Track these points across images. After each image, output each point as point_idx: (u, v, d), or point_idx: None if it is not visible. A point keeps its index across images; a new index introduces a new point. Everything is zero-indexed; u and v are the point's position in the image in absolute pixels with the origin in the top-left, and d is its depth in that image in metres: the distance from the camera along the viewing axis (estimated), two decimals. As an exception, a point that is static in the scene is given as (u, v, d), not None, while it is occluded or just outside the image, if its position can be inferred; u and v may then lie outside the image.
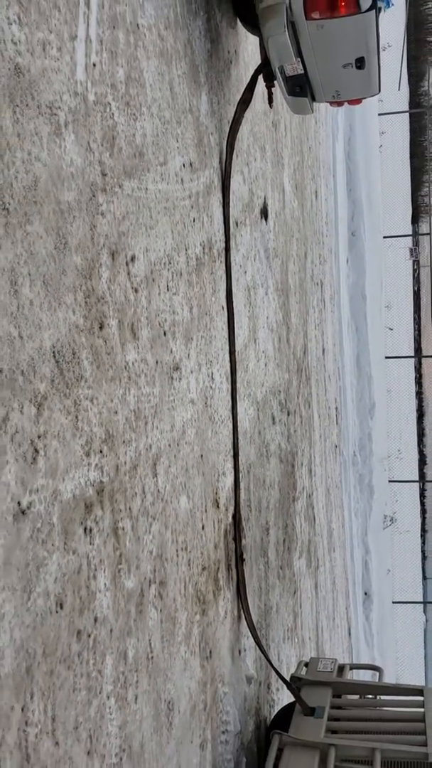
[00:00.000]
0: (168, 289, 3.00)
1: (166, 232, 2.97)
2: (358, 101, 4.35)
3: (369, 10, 3.33)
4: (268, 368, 5.18)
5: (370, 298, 10.80)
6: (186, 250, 3.24)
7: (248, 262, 4.59)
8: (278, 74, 3.79)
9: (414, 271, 17.88)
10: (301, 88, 3.90)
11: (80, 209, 2.19)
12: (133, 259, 2.61)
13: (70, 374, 2.11)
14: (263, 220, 5.09)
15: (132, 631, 2.52)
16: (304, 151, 7.30)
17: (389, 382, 12.68)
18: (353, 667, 4.84)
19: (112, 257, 2.42)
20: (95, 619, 2.24)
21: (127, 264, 2.56)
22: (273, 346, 5.42)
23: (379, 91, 4.16)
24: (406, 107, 16.55)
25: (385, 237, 12.27)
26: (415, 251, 15.33)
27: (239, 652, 4.07)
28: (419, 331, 22.32)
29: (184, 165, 3.22)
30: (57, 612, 2.01)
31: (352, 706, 4.30)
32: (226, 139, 3.86)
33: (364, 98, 4.29)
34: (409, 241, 14.04)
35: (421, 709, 3.98)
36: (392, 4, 4.22)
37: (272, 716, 4.74)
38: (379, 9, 3.67)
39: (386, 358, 12.28)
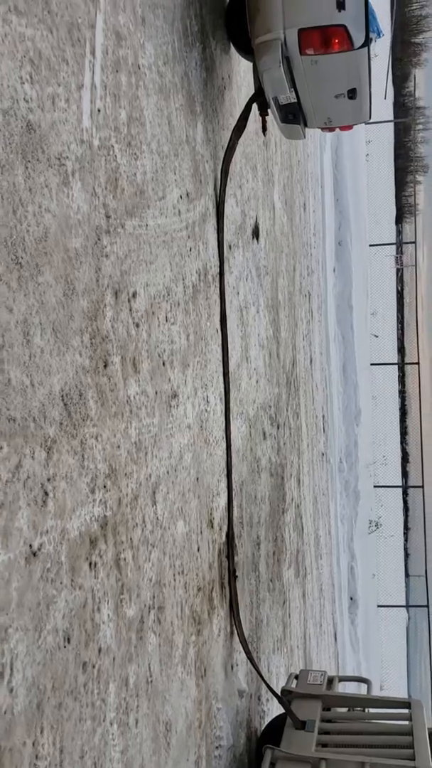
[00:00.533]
0: (167, 320, 3.07)
1: (165, 265, 3.04)
2: (349, 127, 4.45)
3: (362, 47, 3.42)
4: (259, 385, 5.26)
5: (356, 307, 10.93)
6: (183, 279, 3.32)
7: (241, 282, 4.67)
8: (272, 103, 3.88)
9: (397, 271, 18.11)
10: (294, 115, 4.00)
11: (86, 254, 2.25)
12: (134, 295, 2.68)
13: (77, 415, 2.18)
14: (255, 240, 5.18)
15: (133, 657, 2.60)
16: (293, 165, 7.39)
17: (375, 389, 12.83)
18: (342, 679, 4.94)
19: (115, 296, 2.49)
20: (99, 650, 2.31)
21: (129, 301, 2.63)
22: (264, 362, 5.51)
23: (370, 117, 4.27)
24: (391, 114, 16.70)
25: (371, 245, 12.41)
26: (399, 259, 15.50)
27: (232, 667, 4.15)
28: (402, 330, 22.60)
29: (181, 196, 3.29)
30: (65, 647, 2.08)
31: (342, 719, 4.40)
32: (220, 166, 3.94)
33: (355, 124, 4.39)
34: (394, 249, 14.19)
35: (408, 722, 4.08)
36: (383, 35, 4.32)
37: (263, 727, 4.83)
38: (371, 40, 3.77)
39: (372, 365, 12.42)
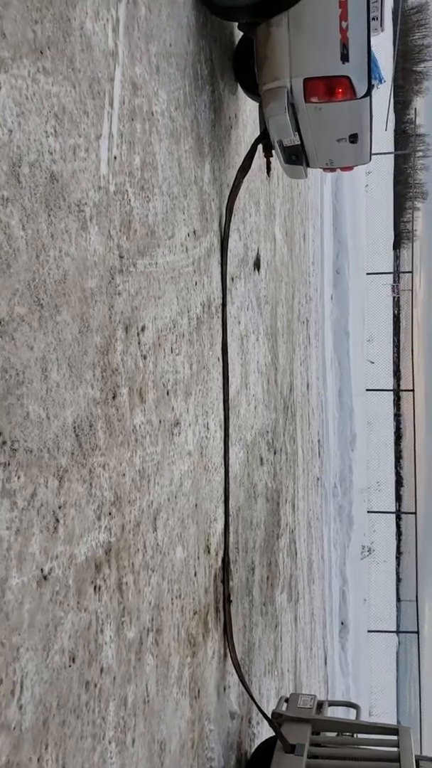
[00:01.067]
0: (172, 351, 3.21)
1: (172, 300, 3.18)
2: (349, 168, 4.63)
3: (364, 96, 3.60)
4: (257, 411, 5.39)
5: (352, 334, 11.11)
6: (188, 312, 3.46)
7: (242, 312, 4.82)
8: (276, 145, 4.05)
9: (394, 299, 18.34)
10: (297, 156, 4.17)
11: (101, 293, 2.39)
12: (143, 329, 2.81)
13: (87, 445, 2.30)
14: (256, 271, 5.33)
15: (132, 677, 2.70)
16: (294, 198, 7.58)
17: (370, 414, 12.97)
18: (332, 703, 5.02)
19: (125, 331, 2.63)
20: (101, 670, 2.41)
21: (138, 334, 2.76)
22: (262, 388, 5.64)
23: (370, 159, 4.44)
24: (392, 144, 17.01)
25: (368, 273, 12.62)
26: (396, 288, 15.73)
27: (224, 689, 4.24)
28: (398, 355, 22.83)
29: (188, 234, 3.44)
30: (70, 666, 2.18)
31: (331, 744, 4.47)
32: (226, 204, 4.10)
33: (356, 165, 4.57)
34: (391, 277, 14.43)
35: (396, 749, 4.16)
36: (384, 81, 4.51)
37: (253, 750, 4.90)
38: (373, 87, 3.95)
39: (367, 390, 12.58)
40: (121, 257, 2.57)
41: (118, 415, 2.56)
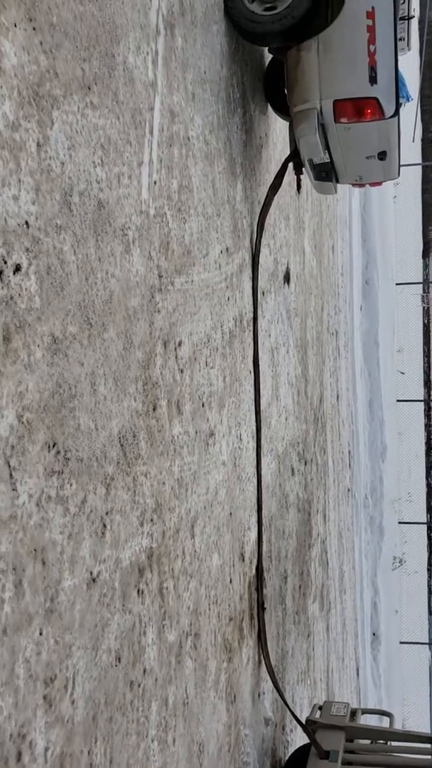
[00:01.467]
0: (206, 365, 3.33)
1: (206, 315, 3.31)
2: (378, 183, 4.73)
3: (393, 116, 3.70)
4: (288, 422, 5.49)
5: (382, 344, 11.14)
6: (221, 326, 3.58)
7: (272, 325, 4.93)
8: (306, 163, 4.17)
9: (424, 309, 18.28)
10: (326, 173, 4.29)
11: (142, 311, 2.52)
12: (180, 344, 2.94)
13: (131, 454, 2.43)
14: (286, 284, 5.44)
15: (172, 679, 2.81)
16: (323, 211, 7.69)
17: (400, 425, 12.96)
18: (365, 711, 5.07)
19: (164, 346, 2.75)
20: (144, 671, 2.53)
21: (175, 349, 2.89)
22: (292, 399, 5.73)
23: (399, 175, 4.54)
24: (419, 155, 17.04)
25: (397, 284, 12.65)
26: (426, 298, 15.72)
27: (258, 695, 4.32)
28: (429, 364, 22.70)
29: (221, 252, 3.57)
30: (116, 665, 2.30)
31: (365, 751, 4.52)
32: (257, 220, 4.22)
33: (385, 181, 4.67)
34: (420, 287, 14.43)
35: (430, 757, 4.20)
36: (411, 99, 4.60)
37: (287, 757, 4.96)
38: (401, 105, 4.06)
39: (398, 401, 12.58)
40: (160, 276, 2.70)
41: (158, 426, 2.69)
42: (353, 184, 4.64)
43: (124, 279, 2.37)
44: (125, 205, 2.40)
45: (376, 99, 3.62)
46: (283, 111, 4.50)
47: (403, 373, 13.53)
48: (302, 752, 4.59)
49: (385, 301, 11.37)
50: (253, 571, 4.16)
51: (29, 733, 1.80)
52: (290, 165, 4.30)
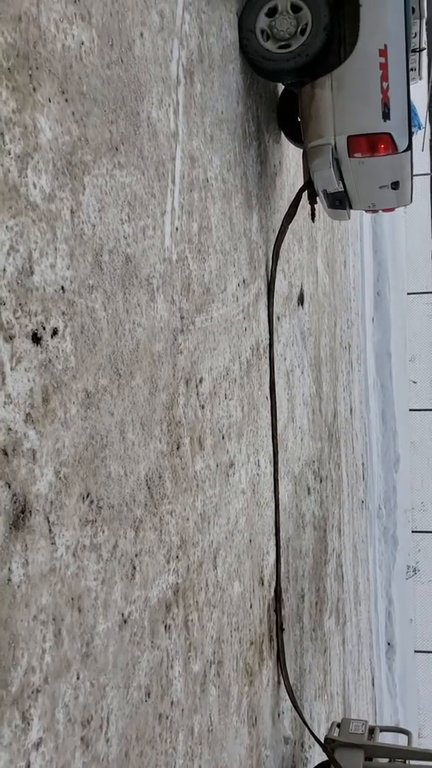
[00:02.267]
0: (225, 397, 3.41)
1: (225, 349, 3.40)
2: (391, 209, 4.81)
3: (405, 150, 3.78)
4: (303, 442, 5.56)
5: (394, 354, 11.19)
6: (239, 357, 3.66)
7: (287, 349, 5.01)
8: (320, 193, 4.25)
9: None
10: (340, 201, 4.37)
11: (166, 354, 2.61)
12: (201, 381, 3.03)
13: (158, 495, 2.52)
14: (300, 306, 5.52)
15: (197, 708, 2.89)
16: (335, 227, 7.76)
17: (413, 434, 13.00)
18: (383, 729, 5.12)
19: (186, 385, 2.84)
20: (171, 703, 2.61)
21: (196, 386, 2.97)
22: (308, 419, 5.80)
23: (411, 201, 4.61)
24: (429, 165, 17.06)
25: (409, 293, 12.70)
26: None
27: (278, 714, 4.39)
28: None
29: (238, 284, 3.66)
30: (146, 701, 2.38)
31: (383, 770, 4.58)
32: (272, 248, 4.31)
33: (398, 207, 4.75)
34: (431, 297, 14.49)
35: (449, 775, 4.25)
36: (422, 127, 4.66)
37: (305, 775, 5.02)
38: (413, 134, 4.13)
39: (410, 410, 12.62)
40: (182, 318, 2.79)
41: (182, 464, 2.77)
42: (366, 210, 4.72)
43: (149, 327, 2.46)
44: (150, 255, 2.49)
45: (390, 134, 3.70)
46: (296, 138, 4.58)
47: (415, 382, 13.57)
48: (321, 770, 4.65)
49: (396, 311, 11.43)
50: (272, 593, 4.23)
51: (68, 774, 1.88)
52: (305, 194, 4.38)
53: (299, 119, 4.13)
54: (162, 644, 2.52)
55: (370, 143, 3.73)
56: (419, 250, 14.39)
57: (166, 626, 2.56)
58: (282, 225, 4.32)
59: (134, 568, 2.30)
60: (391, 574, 11.12)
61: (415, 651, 13.14)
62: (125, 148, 2.30)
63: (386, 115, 3.65)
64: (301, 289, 5.59)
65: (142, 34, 2.42)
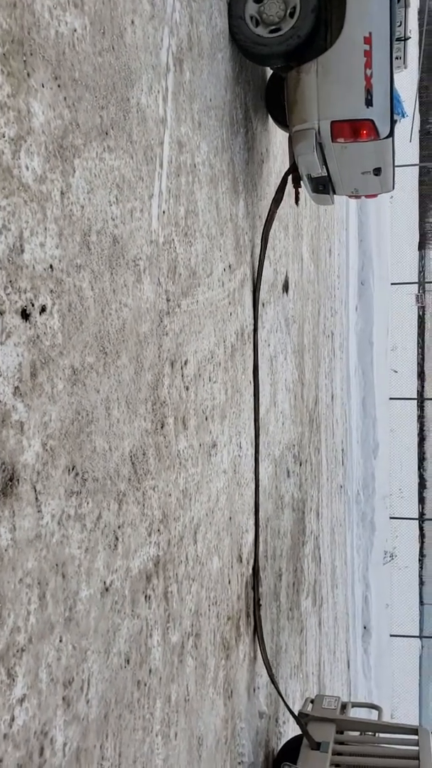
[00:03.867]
0: (210, 380, 3.50)
1: (210, 333, 3.48)
2: (373, 195, 4.90)
3: (387, 137, 3.86)
4: (285, 426, 5.67)
5: (376, 343, 11.33)
6: (224, 342, 3.75)
7: (271, 335, 5.10)
8: (304, 177, 4.33)
9: (419, 309, 18.45)
10: (324, 186, 4.45)
11: (152, 335, 2.69)
12: (186, 362, 3.11)
13: (141, 471, 2.60)
14: (285, 293, 5.61)
15: (175, 678, 3.00)
16: (321, 215, 7.84)
17: (393, 422, 13.18)
18: (355, 705, 5.28)
19: (171, 366, 2.92)
20: (150, 671, 2.72)
21: (181, 368, 3.06)
22: (289, 404, 5.91)
23: (393, 187, 4.70)
24: (417, 155, 17.18)
25: (392, 284, 12.83)
26: (421, 298, 15.91)
27: (254, 690, 4.52)
28: (423, 355, 22.96)
29: (224, 269, 3.73)
30: (125, 667, 2.48)
31: (354, 742, 4.74)
32: (260, 235, 4.38)
33: (380, 194, 4.83)
34: (415, 288, 14.63)
35: (416, 748, 4.42)
36: (407, 115, 4.74)
37: (279, 748, 5.18)
38: (396, 121, 4.21)
39: (390, 399, 12.79)
40: (168, 300, 2.87)
41: (165, 442, 2.86)
42: (350, 196, 4.80)
43: (135, 307, 2.53)
44: (137, 237, 2.56)
45: (372, 121, 3.78)
46: (283, 123, 4.65)
47: (396, 372, 13.74)
48: (294, 743, 4.80)
49: (380, 301, 11.55)
50: (250, 571, 4.35)
51: (50, 731, 1.98)
52: (289, 178, 4.45)
53: (285, 104, 4.20)
54: (142, 613, 2.61)
55: (353, 129, 3.81)
56: (404, 240, 14.52)
57: (146, 596, 2.66)
58: (270, 210, 4.39)
59: (117, 539, 2.39)
60: (369, 558, 11.33)
61: (391, 635, 13.40)
62: (115, 132, 2.37)
63: (369, 102, 3.73)
64: (286, 276, 5.67)
65: (133, 22, 2.48)
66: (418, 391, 18.06)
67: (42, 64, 1.92)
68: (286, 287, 5.63)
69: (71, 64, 2.08)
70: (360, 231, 11.12)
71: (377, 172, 4.30)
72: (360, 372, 11.00)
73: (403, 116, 4.54)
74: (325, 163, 4.21)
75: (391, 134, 3.98)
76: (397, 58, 4.58)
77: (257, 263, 4.41)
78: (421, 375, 20.73)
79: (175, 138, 2.96)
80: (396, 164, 4.92)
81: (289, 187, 4.96)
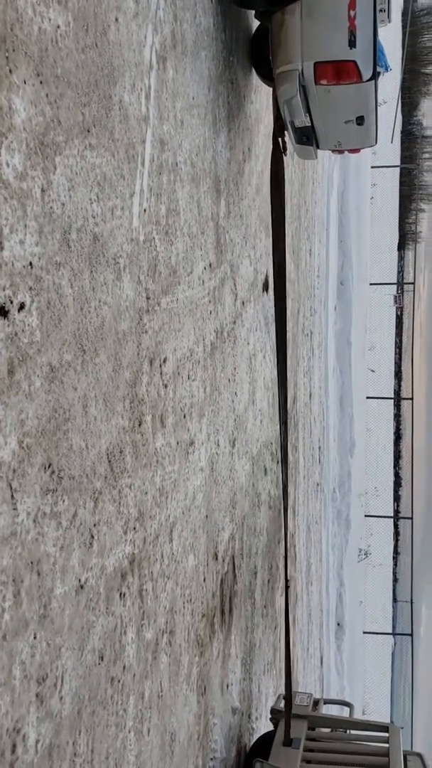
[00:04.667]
0: (188, 378, 3.51)
1: (190, 331, 3.49)
2: (357, 150, 4.92)
3: (370, 79, 3.89)
4: (263, 424, 5.69)
5: (354, 343, 11.41)
6: (203, 340, 3.76)
7: (251, 333, 5.12)
8: (288, 126, 4.34)
9: (396, 310, 18.62)
10: (307, 138, 4.46)
11: (131, 333, 2.69)
12: (165, 360, 3.12)
13: (118, 469, 2.61)
14: (265, 293, 5.63)
15: (149, 674, 3.01)
16: (302, 216, 7.87)
17: (369, 421, 13.29)
18: (327, 701, 5.33)
19: (150, 364, 2.93)
20: (124, 667, 2.72)
21: (160, 366, 3.06)
22: (268, 402, 5.94)
23: (376, 142, 4.71)
24: (398, 157, 17.31)
25: (371, 284, 12.92)
26: (399, 298, 16.03)
27: (227, 686, 4.55)
28: (400, 355, 23.18)
29: (205, 268, 3.74)
30: (99, 664, 2.49)
31: (325, 739, 4.79)
32: (270, 224, 4.37)
33: (363, 148, 4.84)
34: (393, 288, 14.75)
35: (386, 745, 4.47)
36: (390, 69, 4.76)
37: (251, 743, 5.21)
38: (379, 74, 4.23)
39: (367, 398, 12.89)
40: (147, 299, 2.87)
41: (143, 440, 2.87)
42: (333, 150, 4.79)
43: (115, 305, 2.53)
44: (117, 235, 2.56)
45: (355, 62, 3.80)
46: (268, 77, 4.62)
47: (373, 371, 13.85)
48: (266, 739, 4.84)
49: (359, 301, 11.63)
50: (226, 569, 4.37)
51: (23, 728, 1.98)
52: (274, 130, 4.43)
53: (270, 50, 4.18)
54: (116, 611, 2.62)
55: (336, 70, 3.83)
56: (384, 241, 14.63)
57: (121, 594, 2.66)
58: (273, 171, 4.36)
59: (92, 536, 2.39)
60: (343, 556, 11.42)
61: (364, 632, 13.53)
62: (97, 130, 2.36)
63: (352, 43, 3.74)
64: (266, 275, 5.69)
65: (116, 19, 2.48)
66: (395, 390, 18.24)
67: (24, 61, 1.91)
68: (266, 287, 5.65)
69: (54, 61, 2.07)
70: (341, 231, 11.18)
71: (360, 120, 4.28)
72: (338, 371, 11.08)
73: (386, 70, 4.56)
74: (308, 111, 4.19)
75: (374, 77, 3.98)
76: (381, 10, 4.60)
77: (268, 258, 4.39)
78: (398, 374, 20.93)
79: (158, 136, 2.96)
80: (377, 165, 4.94)
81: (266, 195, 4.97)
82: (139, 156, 2.74)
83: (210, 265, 3.84)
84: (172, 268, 3.17)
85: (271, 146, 4.46)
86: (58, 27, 2.08)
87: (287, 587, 4.43)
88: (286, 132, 4.51)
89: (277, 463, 6.49)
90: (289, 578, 4.42)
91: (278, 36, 3.98)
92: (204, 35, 3.64)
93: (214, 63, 3.82)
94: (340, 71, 3.91)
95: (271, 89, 4.62)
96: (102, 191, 2.42)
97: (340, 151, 4.99)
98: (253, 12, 4.46)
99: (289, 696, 4.67)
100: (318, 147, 4.61)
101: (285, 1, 3.89)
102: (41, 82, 2.00)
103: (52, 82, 2.06)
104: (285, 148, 4.80)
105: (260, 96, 5.10)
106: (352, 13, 3.77)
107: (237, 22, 4.34)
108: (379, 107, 4.45)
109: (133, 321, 2.71)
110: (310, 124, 4.27)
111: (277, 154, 4.42)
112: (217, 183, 3.97)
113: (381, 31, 4.24)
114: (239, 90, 4.51)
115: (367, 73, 3.91)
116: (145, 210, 2.83)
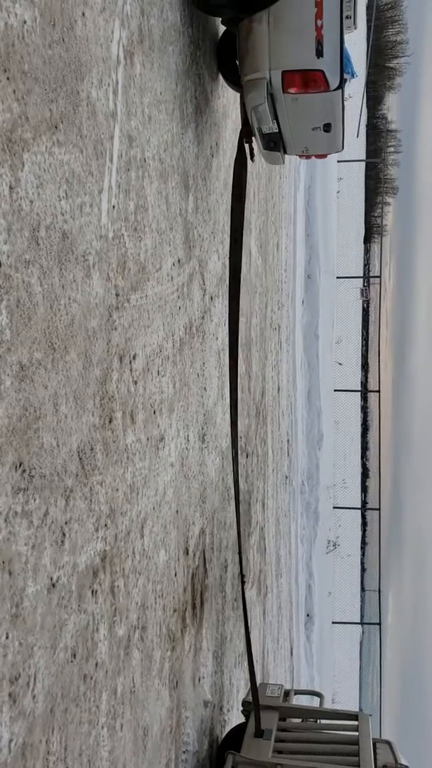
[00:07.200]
0: (158, 374, 3.51)
1: (159, 327, 3.49)
2: (323, 156, 4.95)
3: (337, 89, 3.92)
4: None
5: (322, 336, 11.51)
6: (172, 335, 3.76)
7: (219, 328, 5.13)
8: (256, 132, 4.35)
9: (363, 303, 18.80)
10: (275, 143, 4.48)
11: (101, 330, 2.69)
12: (134, 357, 3.12)
13: (89, 466, 2.60)
14: (233, 287, 5.64)
15: (121, 670, 3.01)
16: (269, 210, 7.90)
17: (337, 414, 13.43)
18: (297, 692, 5.40)
19: (120, 361, 2.92)
20: (96, 664, 2.73)
21: (130, 362, 3.06)
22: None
23: (343, 148, 4.75)
24: (364, 151, 17.45)
25: (338, 277, 13.03)
26: (365, 291, 16.21)
27: (199, 679, 4.58)
28: (367, 348, 23.45)
29: (173, 264, 3.74)
30: (71, 661, 2.49)
31: (296, 729, 4.85)
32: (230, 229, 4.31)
33: (330, 153, 4.88)
34: (360, 282, 14.90)
35: (356, 733, 4.55)
36: (356, 75, 4.79)
37: (223, 735, 5.25)
38: (345, 81, 4.27)
39: (335, 391, 13.02)
40: (117, 295, 2.86)
41: (113, 437, 2.87)
42: (300, 156, 4.81)
43: (84, 302, 2.53)
44: (86, 232, 2.55)
45: (322, 71, 3.82)
46: (235, 82, 4.62)
47: (341, 364, 13.98)
48: (238, 731, 4.88)
49: (326, 294, 11.72)
50: (197, 563, 4.39)
51: (-4, 728, 1.98)
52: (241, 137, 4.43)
53: (237, 57, 4.18)
54: (88, 608, 2.62)
55: (304, 79, 3.85)
56: (350, 234, 14.76)
57: (93, 591, 2.67)
58: (236, 174, 4.36)
59: (64, 534, 2.39)
60: (312, 548, 11.54)
61: (333, 622, 13.70)
62: (64, 126, 2.35)
63: (319, 53, 3.77)
64: (234, 269, 5.70)
65: (83, 14, 2.46)
66: (362, 382, 18.46)
67: (-9, 56, 1.89)
68: (234, 281, 5.66)
69: (21, 57, 2.05)
70: (308, 225, 11.25)
71: (327, 128, 4.31)
72: (306, 364, 11.16)
73: (353, 76, 4.59)
74: (276, 117, 4.21)
75: (341, 86, 4.01)
76: (347, 17, 4.63)
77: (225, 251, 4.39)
78: (364, 367, 21.17)
79: (125, 132, 2.95)
80: (343, 159, 4.98)
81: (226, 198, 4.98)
82: (107, 152, 2.73)
83: (179, 260, 3.84)
84: (141, 265, 3.17)
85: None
86: (25, 22, 2.06)
87: (243, 582, 4.47)
88: (253, 138, 4.52)
89: (247, 456, 6.52)
90: (245, 573, 4.46)
91: (246, 44, 3.98)
92: (171, 30, 3.63)
93: (181, 58, 3.81)
94: (308, 80, 3.93)
95: (236, 129, 4.62)
96: (70, 188, 2.41)
97: (307, 157, 5.02)
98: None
99: (254, 688, 4.72)
100: (285, 152, 4.64)
101: (252, 9, 3.88)
102: (8, 78, 1.98)
103: (19, 78, 2.04)
104: (252, 154, 4.82)
105: (227, 91, 5.10)
106: (318, 22, 3.79)
107: (204, 17, 4.33)
108: (345, 101, 4.49)
109: (102, 318, 2.70)
110: (277, 131, 4.29)
111: (242, 159, 4.43)
112: (185, 178, 3.97)
113: (348, 37, 4.26)
114: (206, 85, 4.51)
115: (334, 82, 3.94)
116: (113, 206, 2.82)
